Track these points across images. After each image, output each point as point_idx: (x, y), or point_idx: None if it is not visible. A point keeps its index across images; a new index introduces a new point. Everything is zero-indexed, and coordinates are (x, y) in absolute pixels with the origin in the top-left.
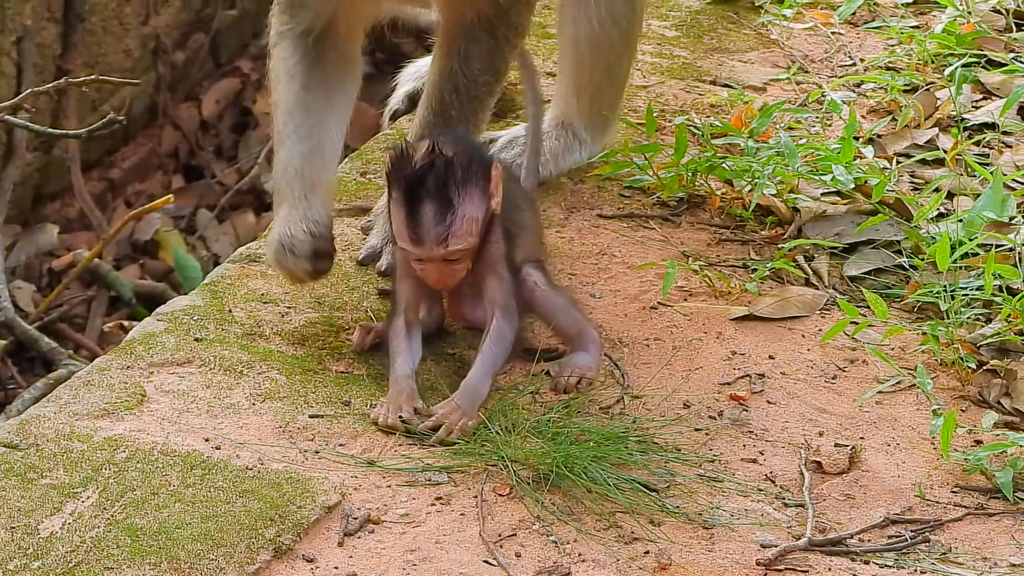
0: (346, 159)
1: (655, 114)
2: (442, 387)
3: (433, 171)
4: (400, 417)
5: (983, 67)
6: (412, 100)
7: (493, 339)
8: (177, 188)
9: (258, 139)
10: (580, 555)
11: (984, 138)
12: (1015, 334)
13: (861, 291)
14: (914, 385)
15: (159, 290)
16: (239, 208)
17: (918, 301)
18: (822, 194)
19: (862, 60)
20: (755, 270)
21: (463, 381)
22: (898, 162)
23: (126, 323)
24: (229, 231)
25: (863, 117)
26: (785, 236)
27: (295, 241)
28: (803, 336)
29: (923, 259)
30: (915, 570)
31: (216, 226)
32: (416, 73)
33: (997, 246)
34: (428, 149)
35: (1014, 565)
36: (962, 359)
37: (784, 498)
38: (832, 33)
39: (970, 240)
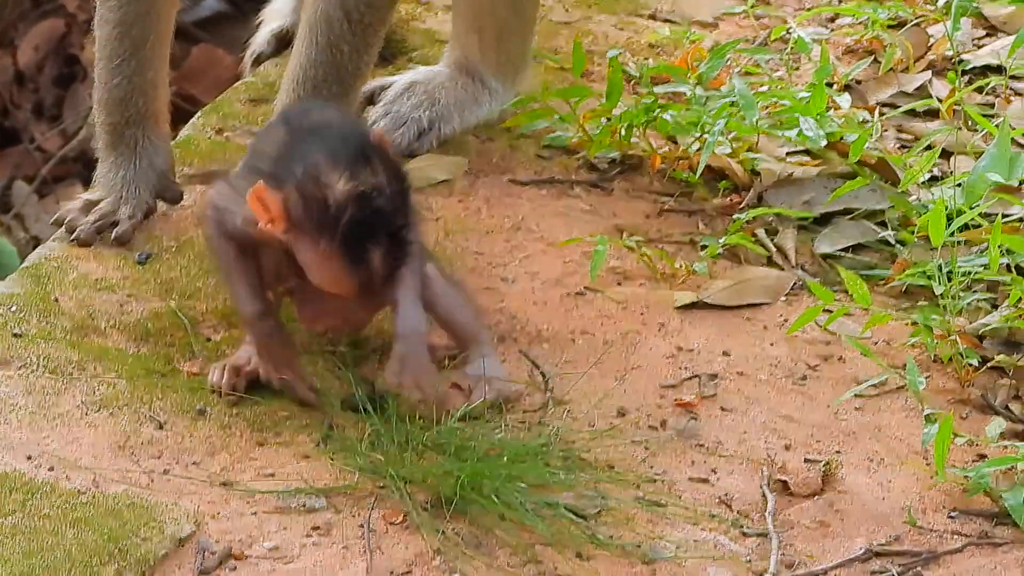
0: (198, 114)
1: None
2: (336, 390)
3: (379, 214)
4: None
5: None
6: (281, 40)
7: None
8: None
9: (87, 94)
10: None
11: (988, 83)
12: None
13: (837, 271)
14: (903, 386)
15: None
16: (64, 180)
17: (906, 283)
18: (787, 153)
19: None
20: (705, 247)
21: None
22: (881, 114)
23: None
24: (52, 208)
25: (838, 59)
26: (742, 205)
27: None
28: (765, 328)
29: (913, 232)
30: None
31: (36, 202)
32: (285, 8)
33: (1004, 215)
34: (353, 186)
35: None
36: (961, 354)
37: (742, 526)
38: None
39: (971, 208)
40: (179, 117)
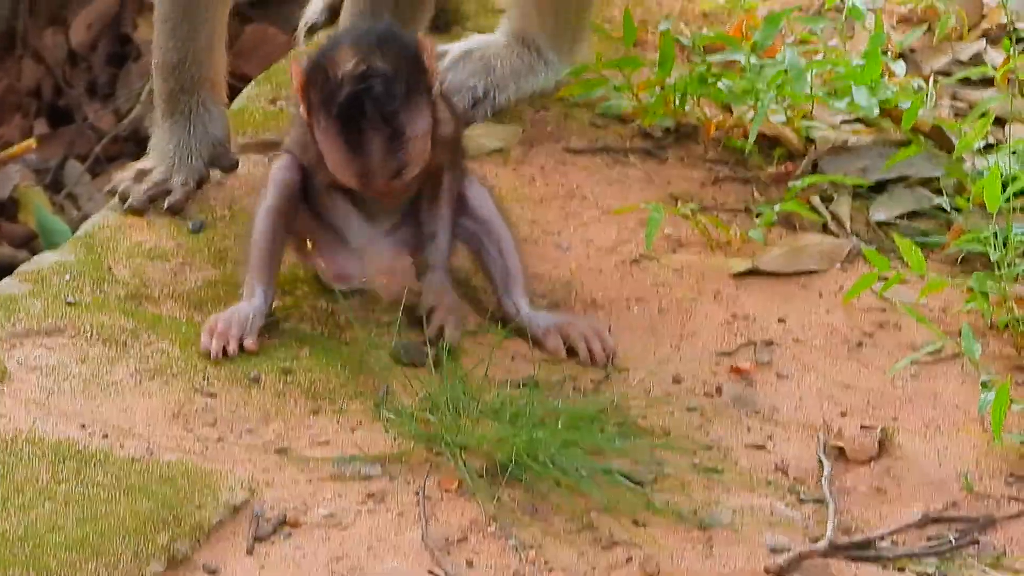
0: (251, 84)
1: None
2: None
3: (372, 94)
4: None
5: None
6: (334, 10)
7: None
8: (40, 134)
9: (140, 73)
10: (546, 563)
11: None
12: None
13: (892, 239)
14: (959, 353)
15: (19, 260)
16: (117, 159)
17: (962, 250)
18: (842, 121)
19: None
20: (760, 214)
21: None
22: (936, 81)
23: None
24: (105, 187)
25: (892, 27)
26: (797, 173)
27: None
28: (820, 295)
29: (968, 199)
30: None
31: (88, 182)
32: None
33: None
34: (356, 64)
35: None
36: (1017, 320)
37: (799, 492)
38: None
39: None
40: (232, 95)
